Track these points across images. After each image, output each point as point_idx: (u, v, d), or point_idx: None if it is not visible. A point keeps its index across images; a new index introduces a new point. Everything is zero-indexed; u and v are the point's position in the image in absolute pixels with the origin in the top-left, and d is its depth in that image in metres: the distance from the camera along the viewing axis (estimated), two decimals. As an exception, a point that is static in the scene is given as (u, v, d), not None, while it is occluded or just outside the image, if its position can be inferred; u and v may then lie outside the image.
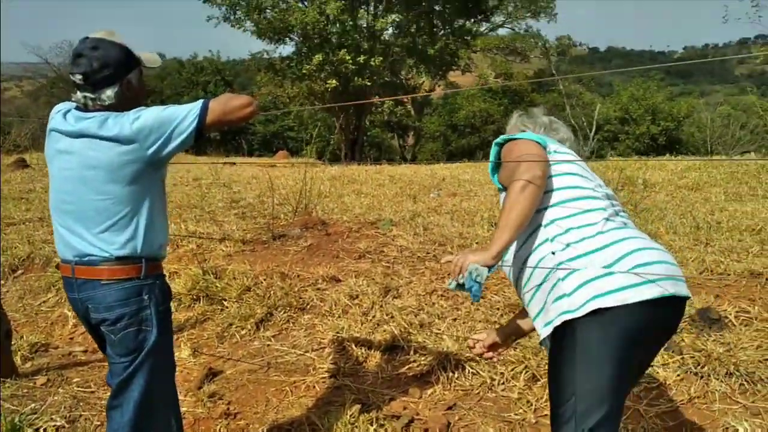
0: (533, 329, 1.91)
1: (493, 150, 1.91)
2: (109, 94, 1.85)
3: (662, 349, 3.06)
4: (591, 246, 1.65)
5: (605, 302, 1.57)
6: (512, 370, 3.03)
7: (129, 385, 1.90)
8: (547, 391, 2.73)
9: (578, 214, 1.71)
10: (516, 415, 2.75)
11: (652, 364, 2.97)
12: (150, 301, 1.90)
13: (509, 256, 1.84)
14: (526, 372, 2.99)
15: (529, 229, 1.75)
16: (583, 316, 1.58)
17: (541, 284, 1.71)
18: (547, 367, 1.81)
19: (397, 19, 21.79)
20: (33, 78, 39.02)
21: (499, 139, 1.91)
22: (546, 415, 2.72)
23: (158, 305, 1.93)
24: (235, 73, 38.13)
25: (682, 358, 2.98)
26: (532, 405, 2.79)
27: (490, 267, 1.66)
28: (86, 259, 1.86)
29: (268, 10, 20.69)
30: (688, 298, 1.66)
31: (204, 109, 1.82)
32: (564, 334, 1.63)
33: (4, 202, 7.02)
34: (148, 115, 1.80)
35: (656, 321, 1.63)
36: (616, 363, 1.57)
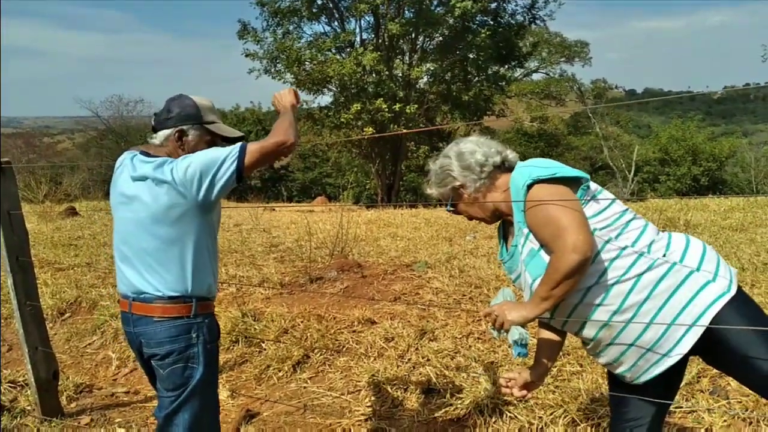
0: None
1: (521, 190, 1.74)
2: (160, 135, 2.01)
3: (707, 393, 2.97)
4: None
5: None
6: (551, 414, 2.96)
7: (174, 419, 1.96)
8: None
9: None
10: (555, 460, 2.69)
11: (695, 408, 2.88)
12: (198, 339, 1.98)
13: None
14: (566, 416, 2.92)
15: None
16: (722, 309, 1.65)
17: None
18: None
19: (432, 68, 22.24)
20: (84, 131, 40.95)
21: (526, 177, 1.74)
22: (587, 460, 2.65)
23: (206, 343, 2.01)
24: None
25: (729, 403, 2.88)
26: (571, 450, 2.72)
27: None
28: (141, 296, 1.96)
29: (307, 63, 21.40)
30: None
31: (242, 151, 1.91)
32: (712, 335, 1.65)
33: (54, 248, 7.32)
34: (196, 162, 1.91)
35: None
36: None
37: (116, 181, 2.07)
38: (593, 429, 2.82)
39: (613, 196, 1.82)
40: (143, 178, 1.95)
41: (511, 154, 1.95)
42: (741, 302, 1.68)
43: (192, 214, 1.93)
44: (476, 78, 23.75)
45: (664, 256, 1.71)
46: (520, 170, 1.80)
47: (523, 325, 1.75)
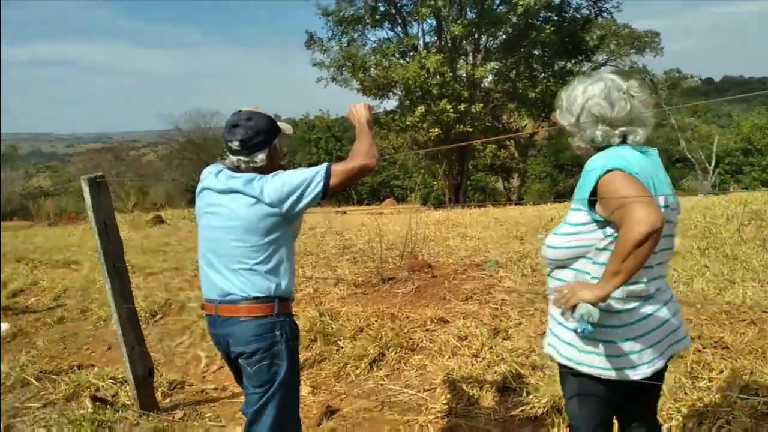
0: None
1: (591, 178, 1.74)
2: (261, 157, 2.16)
3: None
4: None
5: None
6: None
7: (262, 414, 2.10)
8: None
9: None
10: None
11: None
12: (282, 337, 2.12)
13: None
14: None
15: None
16: None
17: None
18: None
19: (497, 67, 22.04)
20: (166, 143, 43.12)
21: (597, 167, 1.74)
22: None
23: (288, 341, 2.14)
24: (343, 129, 39.99)
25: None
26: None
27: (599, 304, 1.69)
28: (228, 297, 2.11)
29: (372, 69, 21.70)
30: None
31: (328, 174, 2.07)
32: None
33: (144, 254, 7.79)
34: (285, 180, 2.07)
35: None
36: None
37: (202, 192, 2.24)
38: (678, 430, 2.77)
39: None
40: (232, 191, 2.11)
41: (637, 136, 1.83)
42: None
43: (278, 224, 2.10)
44: (542, 74, 23.33)
45: None
46: (597, 159, 1.78)
47: (594, 303, 1.69)
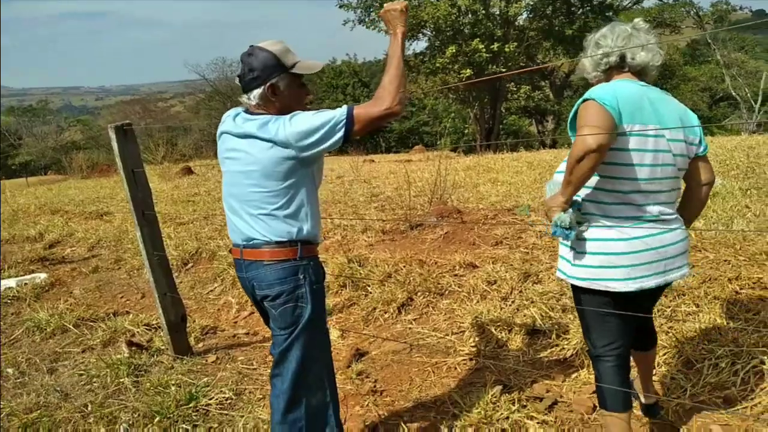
0: None
1: (575, 107, 1.96)
2: (255, 94, 2.05)
3: None
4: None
5: None
6: (664, 354, 2.87)
7: (287, 355, 2.10)
8: (703, 375, 2.58)
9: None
10: (667, 398, 2.61)
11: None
12: (305, 280, 2.09)
13: None
14: (680, 356, 2.81)
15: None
16: None
17: None
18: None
19: (531, 3, 21.13)
20: (194, 94, 43.23)
21: (583, 97, 1.94)
22: (702, 400, 2.55)
23: (312, 284, 2.11)
24: (371, 74, 39.35)
25: None
26: (685, 389, 2.63)
27: (568, 210, 1.96)
28: (251, 242, 2.09)
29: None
30: None
31: (350, 118, 1.94)
32: None
33: (174, 204, 7.91)
34: (301, 121, 1.96)
35: None
36: None
37: (221, 137, 2.17)
38: (710, 369, 2.70)
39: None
40: (248, 136, 2.03)
41: (637, 56, 2.02)
42: None
43: (296, 167, 2.01)
44: (580, 10, 22.32)
45: None
46: (589, 90, 1.96)
47: (571, 212, 1.97)
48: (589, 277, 2.00)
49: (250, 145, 2.02)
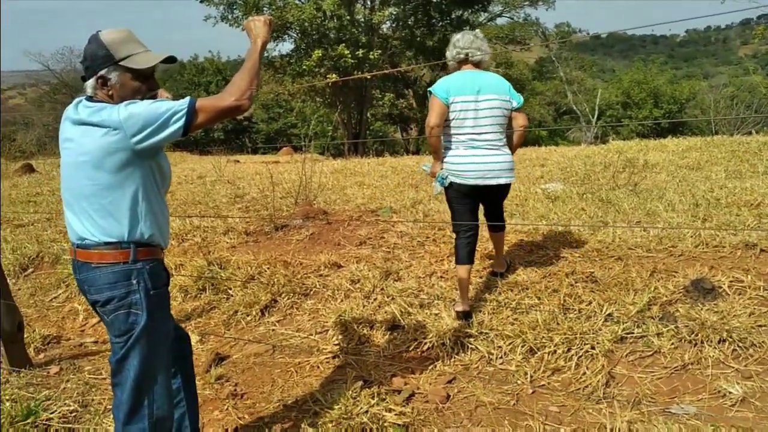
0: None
1: (429, 96, 3.35)
2: (87, 86, 1.94)
3: (657, 319, 3.13)
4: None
5: None
6: (510, 343, 3.10)
7: (124, 364, 1.96)
8: (543, 361, 2.82)
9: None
10: (514, 386, 2.83)
11: (646, 334, 3.05)
12: (139, 286, 1.95)
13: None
14: (524, 345, 3.06)
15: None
16: None
17: None
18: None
19: (394, 12, 21.80)
20: (36, 85, 39.30)
21: (429, 89, 3.39)
22: (543, 385, 2.80)
23: (148, 290, 1.97)
24: (235, 72, 38.23)
25: (677, 327, 3.05)
26: (529, 376, 2.87)
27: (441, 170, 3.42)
28: (84, 242, 1.93)
29: (265, 9, 20.70)
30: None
31: (191, 109, 1.86)
32: None
33: (12, 205, 7.15)
34: (136, 107, 1.85)
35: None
36: None
37: (62, 126, 2.01)
38: (549, 356, 2.97)
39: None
40: (82, 123, 1.89)
41: (476, 54, 3.40)
42: None
43: (131, 160, 1.88)
44: (440, 23, 23.40)
45: None
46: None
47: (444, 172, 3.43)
48: (445, 177, 3.40)
49: (82, 134, 1.88)
